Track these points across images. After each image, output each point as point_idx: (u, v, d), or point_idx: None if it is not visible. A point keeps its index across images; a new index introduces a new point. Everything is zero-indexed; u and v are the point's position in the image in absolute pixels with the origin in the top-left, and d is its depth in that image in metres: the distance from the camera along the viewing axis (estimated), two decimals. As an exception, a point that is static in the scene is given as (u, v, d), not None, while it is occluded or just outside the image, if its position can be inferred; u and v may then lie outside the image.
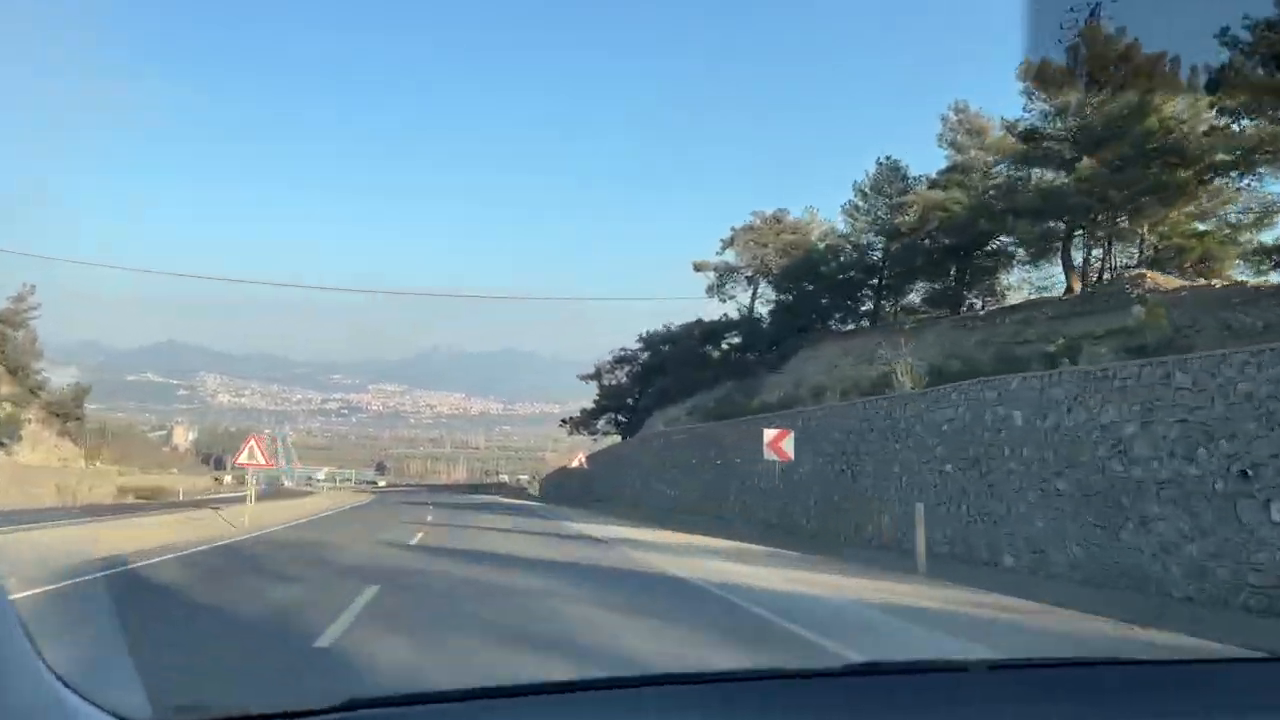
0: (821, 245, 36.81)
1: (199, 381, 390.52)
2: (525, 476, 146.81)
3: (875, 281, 35.03)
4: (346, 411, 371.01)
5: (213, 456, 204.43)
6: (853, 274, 35.17)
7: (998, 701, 1.79)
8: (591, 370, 57.63)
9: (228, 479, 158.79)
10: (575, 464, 38.16)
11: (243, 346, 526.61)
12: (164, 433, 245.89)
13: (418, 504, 37.68)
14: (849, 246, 35.28)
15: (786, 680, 1.88)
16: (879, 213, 31.69)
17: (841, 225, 36.77)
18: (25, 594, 8.97)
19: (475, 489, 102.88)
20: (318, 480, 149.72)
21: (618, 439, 57.09)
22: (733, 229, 41.99)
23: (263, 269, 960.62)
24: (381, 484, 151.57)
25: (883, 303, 34.90)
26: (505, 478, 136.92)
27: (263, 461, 20.48)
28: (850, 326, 36.54)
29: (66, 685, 1.31)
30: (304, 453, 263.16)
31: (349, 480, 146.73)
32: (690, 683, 1.90)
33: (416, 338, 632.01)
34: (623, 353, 56.20)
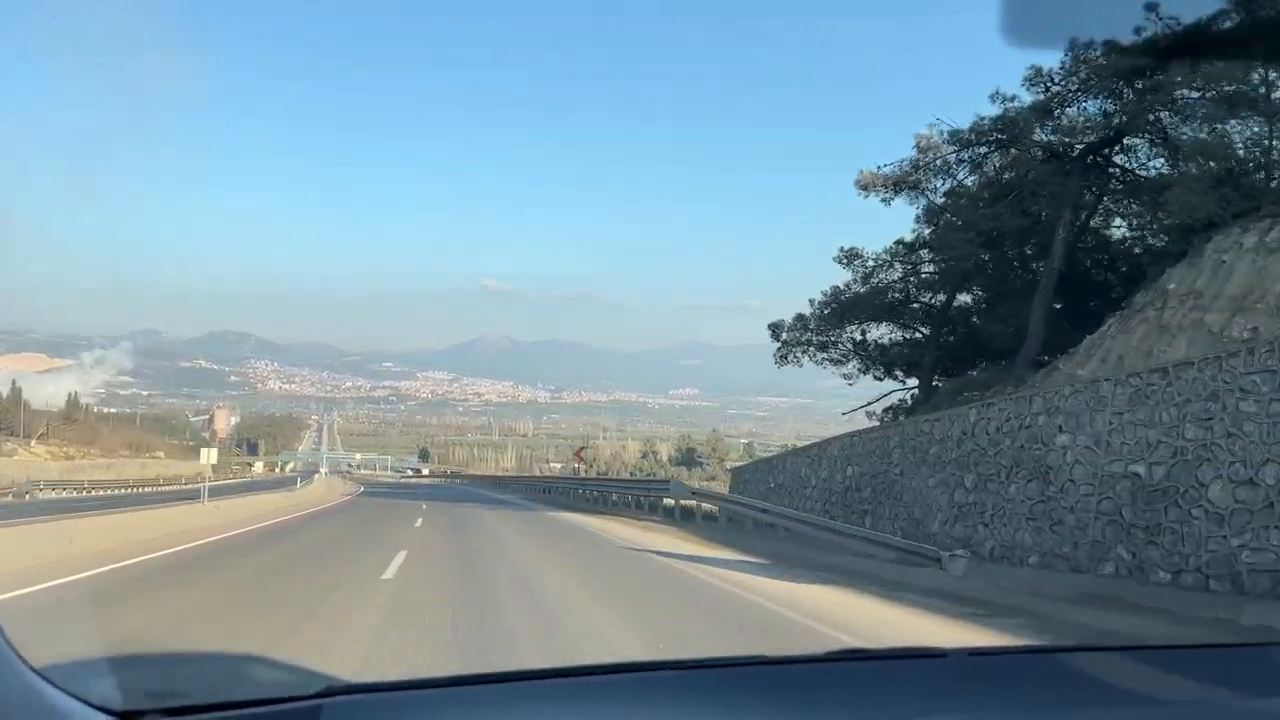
0: None
1: (250, 369, 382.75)
2: (558, 465, 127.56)
3: None
4: (395, 399, 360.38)
5: (245, 441, 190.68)
6: None
7: (976, 686, 1.77)
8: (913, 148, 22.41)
9: (259, 465, 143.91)
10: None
11: (295, 336, 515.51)
12: (205, 418, 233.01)
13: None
14: None
15: (769, 666, 1.85)
16: None
17: None
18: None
19: (547, 488, 43.45)
20: (348, 466, 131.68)
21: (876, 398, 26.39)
22: None
23: (328, 260, 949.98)
24: (425, 472, 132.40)
25: None
26: (652, 466, 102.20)
27: None
28: None
29: (41, 676, 1.28)
30: (351, 439, 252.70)
31: (386, 468, 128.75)
32: (673, 669, 1.83)
33: (465, 327, 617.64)
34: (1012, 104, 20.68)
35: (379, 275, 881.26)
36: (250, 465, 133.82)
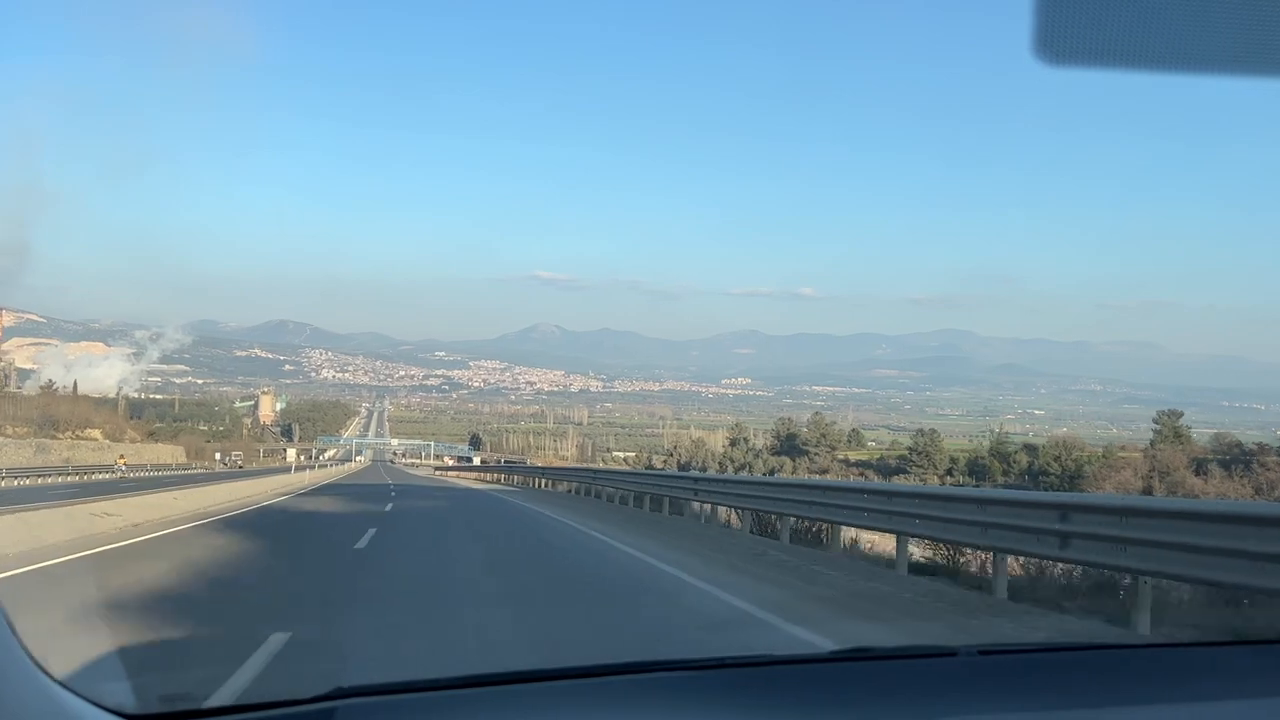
0: None
1: (305, 357, 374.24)
2: (621, 454, 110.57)
3: None
4: (448, 387, 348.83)
5: (281, 427, 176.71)
6: None
7: (987, 685, 1.72)
8: None
9: (291, 453, 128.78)
10: None
11: (350, 325, 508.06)
12: (251, 403, 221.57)
13: None
14: None
15: (774, 666, 1.83)
16: None
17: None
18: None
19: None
20: (393, 455, 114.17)
21: None
22: None
23: (381, 250, 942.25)
24: (475, 461, 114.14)
25: None
26: None
27: None
28: None
29: (50, 677, 1.21)
30: (402, 426, 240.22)
31: (430, 454, 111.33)
32: (678, 669, 1.80)
33: (518, 317, 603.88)
34: None
35: (433, 266, 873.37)
36: (284, 453, 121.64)
